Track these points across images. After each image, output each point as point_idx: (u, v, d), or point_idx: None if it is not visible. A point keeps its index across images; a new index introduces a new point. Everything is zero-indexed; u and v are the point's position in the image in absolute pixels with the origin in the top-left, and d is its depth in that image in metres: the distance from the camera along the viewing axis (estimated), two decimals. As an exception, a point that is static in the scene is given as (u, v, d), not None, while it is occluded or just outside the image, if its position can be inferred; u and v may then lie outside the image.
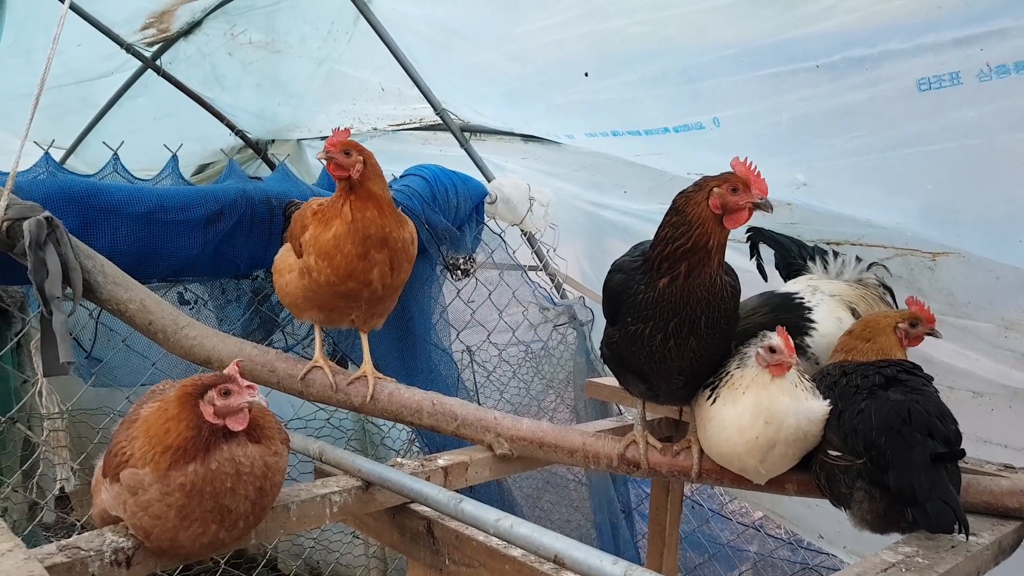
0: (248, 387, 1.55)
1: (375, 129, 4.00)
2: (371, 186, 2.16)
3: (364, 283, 2.18)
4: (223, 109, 4.36)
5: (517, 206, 3.66)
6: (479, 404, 3.25)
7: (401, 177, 3.22)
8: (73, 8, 3.57)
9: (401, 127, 3.96)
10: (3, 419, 2.85)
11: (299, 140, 4.51)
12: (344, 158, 2.06)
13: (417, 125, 3.90)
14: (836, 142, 2.48)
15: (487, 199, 3.56)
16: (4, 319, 3.57)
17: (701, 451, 1.96)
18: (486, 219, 3.58)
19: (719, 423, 1.83)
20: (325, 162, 2.08)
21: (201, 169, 4.58)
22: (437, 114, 3.70)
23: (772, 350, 1.81)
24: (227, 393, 1.54)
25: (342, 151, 2.06)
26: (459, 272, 3.40)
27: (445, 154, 3.83)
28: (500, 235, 3.65)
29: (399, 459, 2.02)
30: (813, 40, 2.31)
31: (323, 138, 4.40)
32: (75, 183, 2.61)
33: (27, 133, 2.45)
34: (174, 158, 3.04)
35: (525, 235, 3.87)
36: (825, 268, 2.48)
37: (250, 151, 4.56)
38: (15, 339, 3.41)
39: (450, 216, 3.30)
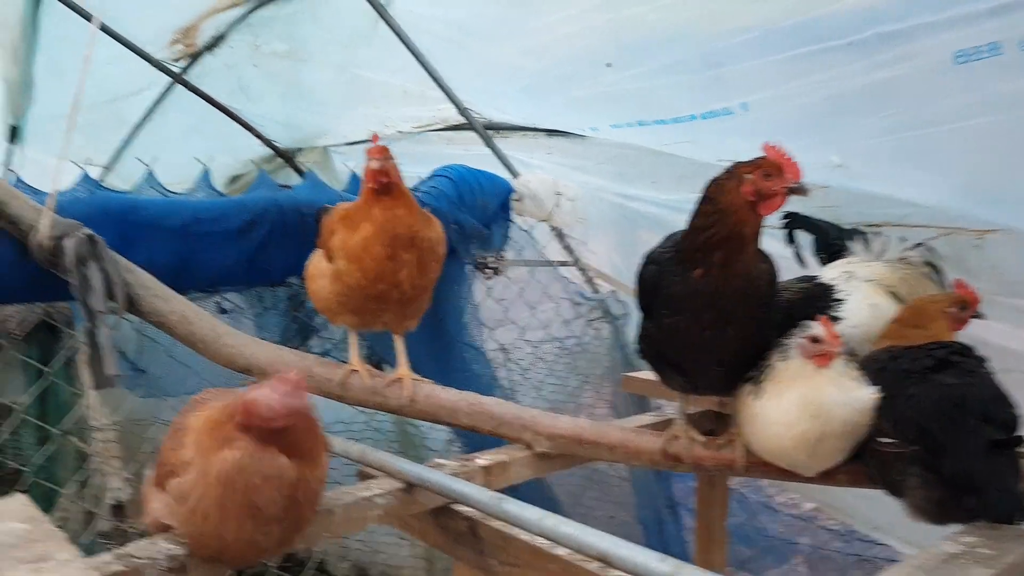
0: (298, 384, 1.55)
1: (400, 132, 4.02)
2: (397, 188, 2.18)
3: (394, 284, 2.19)
4: (251, 120, 4.42)
5: (544, 201, 3.64)
6: (516, 403, 3.25)
7: (427, 179, 3.23)
8: (103, 28, 3.65)
9: (425, 128, 3.97)
10: (56, 431, 2.94)
11: (326, 147, 4.56)
12: (391, 164, 2.09)
13: (441, 126, 3.91)
14: (871, 121, 2.42)
15: (513, 196, 3.55)
16: (53, 334, 3.67)
17: (746, 444, 1.93)
18: (514, 216, 3.57)
19: (764, 419, 1.79)
20: (371, 170, 2.08)
21: (233, 180, 4.65)
22: (460, 113, 3.70)
23: (815, 340, 1.77)
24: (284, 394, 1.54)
25: (385, 157, 2.09)
26: (489, 271, 3.40)
27: (470, 153, 3.83)
28: (528, 231, 3.64)
29: (439, 460, 2.03)
30: (841, 17, 2.26)
31: (349, 143, 4.44)
32: (113, 200, 2.67)
33: (63, 152, 2.52)
34: (206, 171, 3.10)
35: (554, 230, 3.85)
36: (867, 248, 2.42)
37: (279, 160, 4.62)
38: (65, 354, 3.50)
39: (477, 215, 3.30)
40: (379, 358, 2.98)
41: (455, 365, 3.09)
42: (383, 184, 2.11)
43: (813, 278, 2.32)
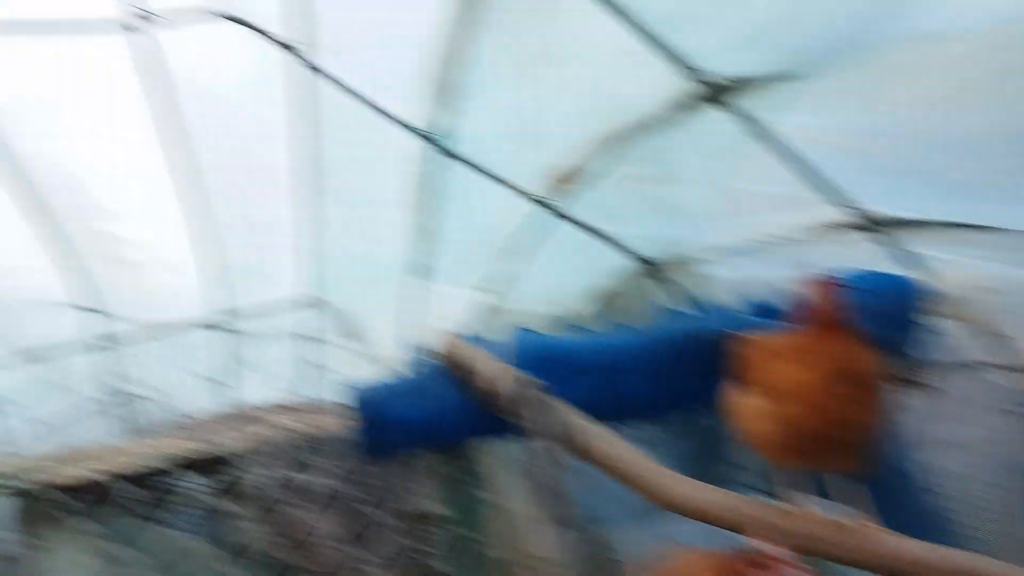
0: (791, 564, 1.51)
1: (780, 237, 3.91)
2: (837, 318, 2.09)
3: (842, 424, 2.08)
4: (621, 239, 4.68)
5: (962, 299, 3.22)
6: (969, 540, 2.81)
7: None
8: (483, 171, 4.23)
9: (809, 231, 3.80)
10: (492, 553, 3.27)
11: (696, 259, 4.61)
12: (837, 296, 2.03)
13: (826, 225, 3.71)
14: None
15: (924, 297, 3.20)
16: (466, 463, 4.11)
17: None
18: (927, 319, 3.20)
19: None
20: (821, 307, 2.04)
21: (611, 297, 4.93)
22: (852, 214, 3.49)
23: None
24: (765, 568, 1.52)
25: (824, 289, 2.03)
26: (909, 384, 3.06)
27: (861, 253, 3.57)
28: (948, 335, 3.22)
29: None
30: None
31: (721, 253, 4.44)
32: (538, 343, 2.97)
33: (496, 307, 2.89)
34: (604, 307, 3.31)
35: (978, 330, 3.36)
36: None
37: (650, 274, 4.79)
38: (482, 469, 3.92)
39: (889, 324, 3.02)
40: (813, 494, 2.81)
41: (890, 499, 2.78)
42: (832, 320, 2.03)
43: None
